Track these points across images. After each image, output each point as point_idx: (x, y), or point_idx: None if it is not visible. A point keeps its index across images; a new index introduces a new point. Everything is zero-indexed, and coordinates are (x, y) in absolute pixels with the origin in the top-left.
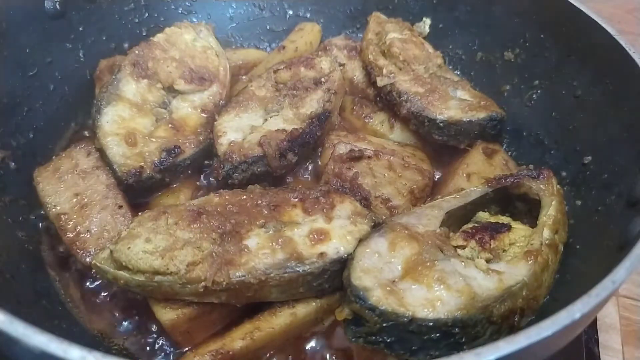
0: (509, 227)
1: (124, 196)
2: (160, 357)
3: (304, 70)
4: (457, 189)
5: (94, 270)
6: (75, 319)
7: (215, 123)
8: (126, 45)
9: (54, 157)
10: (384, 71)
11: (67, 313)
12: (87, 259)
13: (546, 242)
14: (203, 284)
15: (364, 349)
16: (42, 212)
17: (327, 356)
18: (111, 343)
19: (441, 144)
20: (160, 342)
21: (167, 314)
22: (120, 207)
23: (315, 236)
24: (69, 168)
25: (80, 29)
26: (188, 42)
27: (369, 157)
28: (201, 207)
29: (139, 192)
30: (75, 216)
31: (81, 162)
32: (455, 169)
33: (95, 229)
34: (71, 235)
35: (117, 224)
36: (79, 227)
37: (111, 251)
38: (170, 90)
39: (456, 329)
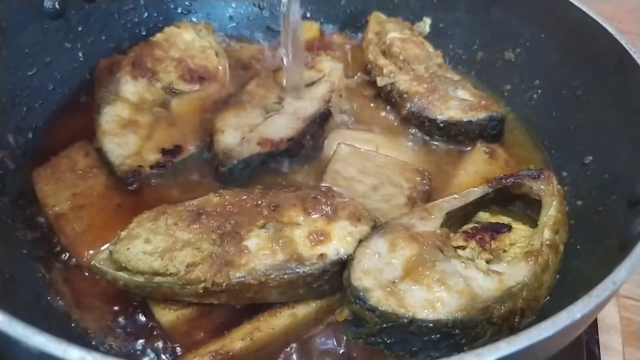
0: (509, 228)
1: (124, 196)
2: (159, 358)
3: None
4: (457, 189)
5: (94, 271)
6: (75, 319)
7: (214, 122)
8: (126, 45)
9: (52, 157)
10: (384, 71)
11: (66, 313)
12: (86, 260)
13: (547, 242)
14: (203, 285)
15: (364, 349)
16: (41, 212)
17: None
18: (111, 343)
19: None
20: (160, 343)
21: (166, 315)
22: (119, 206)
23: (315, 237)
24: (68, 168)
25: (80, 28)
26: (187, 41)
27: (369, 158)
28: (201, 207)
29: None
30: (73, 217)
31: (80, 162)
32: (456, 169)
33: (94, 230)
34: (70, 236)
35: (116, 224)
36: (77, 228)
37: (110, 252)
38: (170, 89)
39: (456, 330)
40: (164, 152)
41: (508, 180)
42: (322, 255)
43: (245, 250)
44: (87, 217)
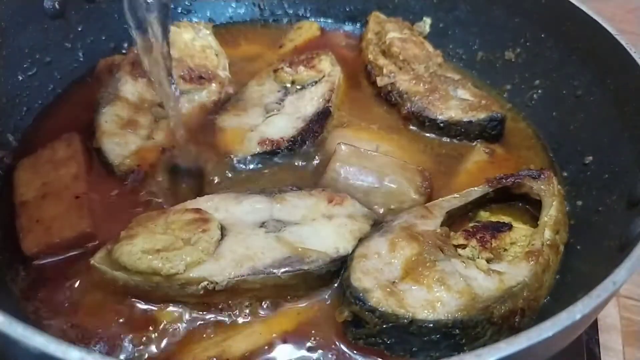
0: (510, 227)
1: (89, 188)
2: (159, 358)
3: (303, 69)
4: (457, 188)
5: (96, 270)
6: (74, 320)
7: (214, 122)
8: (125, 45)
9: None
10: (384, 71)
11: (64, 315)
12: (29, 249)
13: (547, 242)
14: (203, 284)
15: (364, 350)
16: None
17: None
18: (109, 344)
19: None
20: (159, 344)
21: (163, 315)
22: (77, 197)
23: (315, 236)
24: (47, 159)
25: (80, 28)
26: (187, 41)
27: (369, 158)
28: (200, 207)
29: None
30: (33, 205)
31: (60, 152)
32: (456, 169)
33: (46, 220)
34: (23, 223)
35: (69, 216)
36: (32, 217)
37: (109, 251)
38: None
39: (456, 330)
40: (164, 152)
41: (508, 180)
42: (321, 254)
43: (245, 250)
44: (45, 206)
